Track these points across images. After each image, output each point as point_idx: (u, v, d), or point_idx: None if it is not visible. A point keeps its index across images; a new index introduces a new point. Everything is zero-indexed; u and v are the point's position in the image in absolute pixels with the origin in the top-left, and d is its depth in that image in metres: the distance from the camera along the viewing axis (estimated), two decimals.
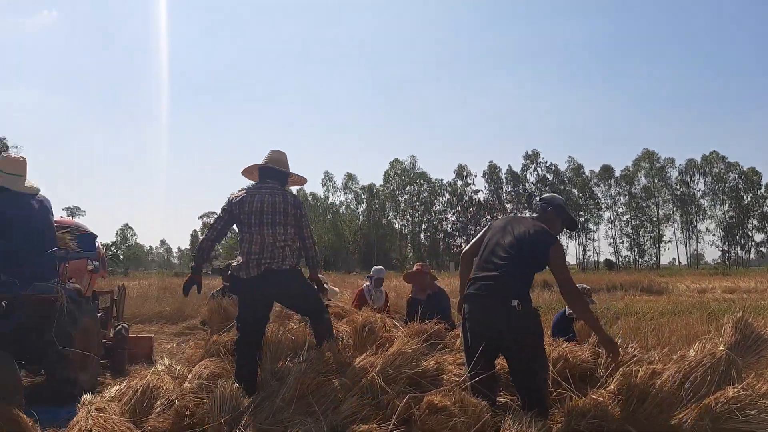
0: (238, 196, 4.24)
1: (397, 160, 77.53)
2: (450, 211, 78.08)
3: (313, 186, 79.80)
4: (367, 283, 7.26)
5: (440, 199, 78.69)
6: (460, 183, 77.43)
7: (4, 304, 4.78)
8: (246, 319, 4.14)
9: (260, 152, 4.51)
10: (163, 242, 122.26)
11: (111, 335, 9.18)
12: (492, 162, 76.92)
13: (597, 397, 3.36)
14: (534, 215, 4.08)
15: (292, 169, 4.47)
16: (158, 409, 3.47)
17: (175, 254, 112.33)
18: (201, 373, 3.87)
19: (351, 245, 74.38)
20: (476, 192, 77.20)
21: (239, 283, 4.17)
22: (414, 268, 6.93)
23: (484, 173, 76.76)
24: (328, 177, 79.58)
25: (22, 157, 4.66)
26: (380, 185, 77.95)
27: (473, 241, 3.99)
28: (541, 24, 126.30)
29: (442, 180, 78.09)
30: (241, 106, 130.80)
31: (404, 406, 2.94)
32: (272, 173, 4.35)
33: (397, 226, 79.91)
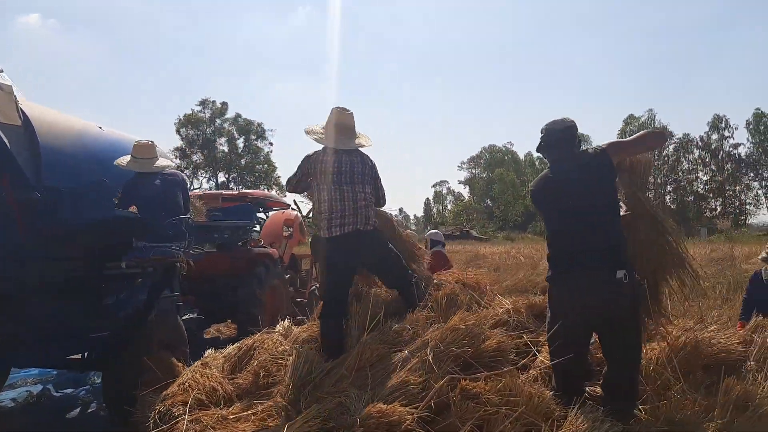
0: (313, 155, 4.08)
1: (631, 116, 69.99)
2: (702, 170, 68.28)
3: (526, 146, 75.54)
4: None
5: (688, 156, 69.27)
6: (714, 137, 66.91)
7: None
8: (329, 284, 4.01)
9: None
10: (401, 210, 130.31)
11: (307, 294, 10.13)
12: (759, 110, 64.30)
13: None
14: None
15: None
16: (250, 367, 3.68)
17: (412, 221, 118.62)
18: (298, 336, 3.94)
19: None
20: (736, 146, 65.97)
21: (321, 243, 4.00)
22: None
23: (748, 123, 64.95)
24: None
25: (151, 142, 5.34)
26: None
27: None
28: None
29: (688, 135, 68.41)
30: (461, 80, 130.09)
31: (441, 389, 2.63)
32: (343, 130, 4.08)
33: None
